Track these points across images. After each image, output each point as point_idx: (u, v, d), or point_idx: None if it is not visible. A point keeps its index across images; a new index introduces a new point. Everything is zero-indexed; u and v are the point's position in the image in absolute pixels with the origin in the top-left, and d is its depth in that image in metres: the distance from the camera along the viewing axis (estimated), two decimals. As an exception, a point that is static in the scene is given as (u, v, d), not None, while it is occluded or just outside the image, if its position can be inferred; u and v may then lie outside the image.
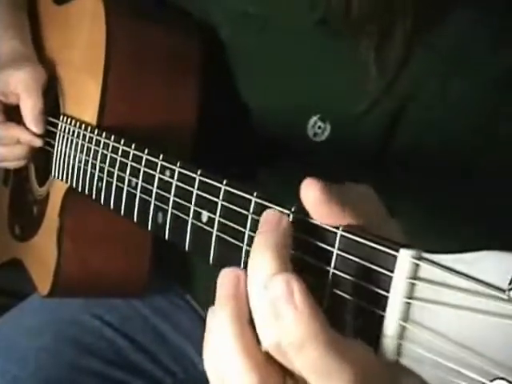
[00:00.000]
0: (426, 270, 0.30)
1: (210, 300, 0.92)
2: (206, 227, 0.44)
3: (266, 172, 0.70)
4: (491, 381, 0.28)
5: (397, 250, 0.31)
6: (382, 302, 0.32)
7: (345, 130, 0.62)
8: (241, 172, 0.72)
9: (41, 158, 0.78)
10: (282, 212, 0.38)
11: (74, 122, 0.68)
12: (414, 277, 0.31)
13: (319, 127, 0.62)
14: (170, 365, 0.80)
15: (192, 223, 0.46)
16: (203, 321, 0.92)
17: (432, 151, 0.59)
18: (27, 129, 0.74)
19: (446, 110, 0.58)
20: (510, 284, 0.28)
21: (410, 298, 0.31)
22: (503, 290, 0.28)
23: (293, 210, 0.37)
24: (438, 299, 0.30)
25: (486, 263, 0.29)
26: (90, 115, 0.65)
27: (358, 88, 0.59)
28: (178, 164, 0.49)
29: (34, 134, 0.74)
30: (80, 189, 0.64)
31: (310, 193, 0.33)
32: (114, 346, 0.77)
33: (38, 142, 0.74)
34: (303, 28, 0.63)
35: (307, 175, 0.66)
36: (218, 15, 0.69)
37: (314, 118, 0.63)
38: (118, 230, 0.70)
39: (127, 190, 0.55)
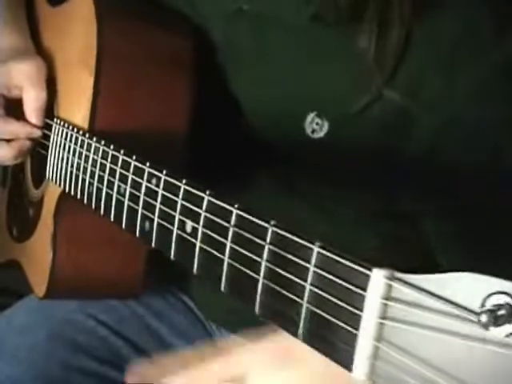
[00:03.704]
0: (399, 290, 0.30)
1: (206, 300, 0.92)
2: (189, 238, 0.44)
3: (264, 171, 0.69)
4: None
5: (370, 269, 0.31)
6: (356, 321, 0.31)
7: (343, 126, 0.61)
8: (239, 172, 0.72)
9: (36, 161, 0.78)
10: (261, 225, 0.38)
11: (67, 124, 0.68)
12: (387, 297, 0.30)
13: (317, 123, 0.62)
14: (166, 365, 0.81)
15: (177, 233, 0.46)
16: (199, 321, 0.92)
17: (433, 152, 0.59)
18: (26, 123, 0.74)
19: (450, 109, 0.57)
20: (481, 307, 0.28)
21: (383, 318, 0.30)
22: (475, 313, 0.28)
23: (272, 223, 0.37)
24: (410, 320, 0.30)
25: (460, 285, 0.29)
26: (82, 119, 0.65)
27: (354, 84, 0.59)
28: (164, 172, 0.49)
29: (34, 126, 0.74)
30: (72, 192, 0.64)
31: None
32: (109, 345, 0.78)
33: (38, 132, 0.74)
34: (298, 24, 0.62)
35: (307, 173, 0.66)
36: (212, 14, 0.69)
37: (312, 115, 0.62)
38: (113, 232, 0.70)
39: (116, 197, 0.55)
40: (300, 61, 0.63)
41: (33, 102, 0.73)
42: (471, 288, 0.28)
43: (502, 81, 0.55)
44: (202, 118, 0.68)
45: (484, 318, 0.27)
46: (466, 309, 0.28)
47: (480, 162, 0.57)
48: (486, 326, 0.27)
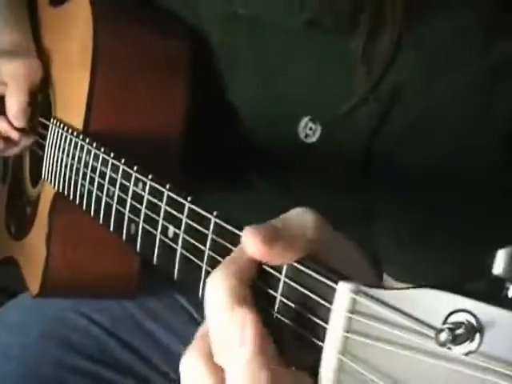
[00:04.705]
0: (364, 304, 0.30)
1: (201, 301, 0.91)
2: (171, 243, 0.44)
3: (259, 173, 0.70)
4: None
5: (336, 282, 0.31)
6: (321, 334, 0.31)
7: (335, 130, 0.62)
8: (234, 174, 0.72)
9: (34, 159, 0.79)
10: (237, 234, 0.38)
11: (62, 125, 0.68)
12: (352, 310, 0.30)
13: (310, 128, 0.62)
14: (160, 365, 0.81)
15: (160, 238, 0.46)
16: (195, 321, 0.93)
17: (417, 152, 0.59)
18: (6, 120, 0.75)
19: (430, 109, 0.57)
20: (443, 324, 0.28)
21: (347, 332, 0.30)
22: (436, 330, 0.28)
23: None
24: (374, 334, 0.30)
25: (424, 301, 0.29)
26: (77, 120, 0.65)
27: (346, 88, 0.59)
28: (150, 177, 0.49)
29: (14, 128, 0.75)
30: (65, 193, 0.65)
31: (250, 241, 0.33)
32: (102, 345, 0.78)
33: (14, 135, 0.75)
34: (292, 29, 0.62)
35: (300, 176, 0.66)
36: (208, 17, 0.69)
37: (305, 119, 0.62)
38: (108, 232, 0.71)
39: (105, 199, 0.56)
40: (295, 63, 0.64)
41: (14, 104, 0.74)
42: (434, 305, 0.28)
43: (487, 85, 0.56)
44: (197, 120, 0.69)
45: (443, 336, 0.27)
46: (427, 325, 0.28)
47: (441, 162, 0.57)
48: (444, 344, 0.27)
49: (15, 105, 0.74)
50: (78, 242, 0.71)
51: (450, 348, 0.27)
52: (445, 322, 0.28)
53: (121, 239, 0.62)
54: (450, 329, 0.27)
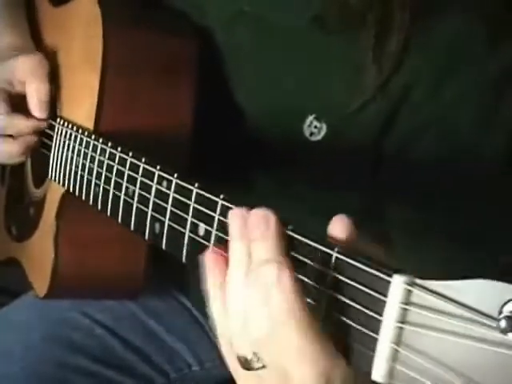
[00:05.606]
0: (419, 295, 0.31)
1: (203, 300, 0.92)
2: (202, 241, 0.45)
3: (264, 174, 0.70)
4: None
5: (390, 276, 0.32)
6: (375, 325, 0.32)
7: (340, 129, 0.62)
8: (238, 172, 0.73)
9: (37, 160, 0.78)
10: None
11: (71, 125, 0.68)
12: (407, 302, 0.31)
13: (315, 127, 0.63)
14: (162, 365, 0.81)
15: (189, 236, 0.46)
16: (197, 322, 0.92)
17: (424, 150, 0.60)
18: (31, 117, 0.74)
19: (438, 110, 0.59)
20: (500, 313, 0.29)
21: (402, 323, 0.31)
22: (494, 319, 0.29)
23: (289, 227, 0.38)
24: (429, 324, 0.31)
25: (478, 291, 0.30)
26: (87, 120, 0.65)
27: (352, 86, 0.60)
28: (176, 175, 0.49)
29: (39, 119, 0.73)
30: (77, 193, 0.65)
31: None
32: (105, 344, 0.78)
33: (44, 125, 0.74)
34: (298, 26, 0.63)
35: (305, 175, 0.67)
36: (213, 15, 0.69)
37: (310, 118, 0.63)
38: (115, 233, 0.70)
39: (124, 198, 0.56)
40: (300, 62, 0.64)
41: (35, 94, 0.73)
42: (489, 295, 0.29)
43: (495, 85, 0.57)
44: (202, 118, 0.69)
45: (503, 324, 0.28)
46: (483, 314, 0.29)
47: (448, 161, 0.59)
48: (504, 332, 0.28)
49: (38, 93, 0.72)
50: (85, 244, 0.71)
51: (508, 335, 0.28)
52: (500, 312, 0.29)
53: (132, 237, 0.62)
54: (508, 317, 0.28)
